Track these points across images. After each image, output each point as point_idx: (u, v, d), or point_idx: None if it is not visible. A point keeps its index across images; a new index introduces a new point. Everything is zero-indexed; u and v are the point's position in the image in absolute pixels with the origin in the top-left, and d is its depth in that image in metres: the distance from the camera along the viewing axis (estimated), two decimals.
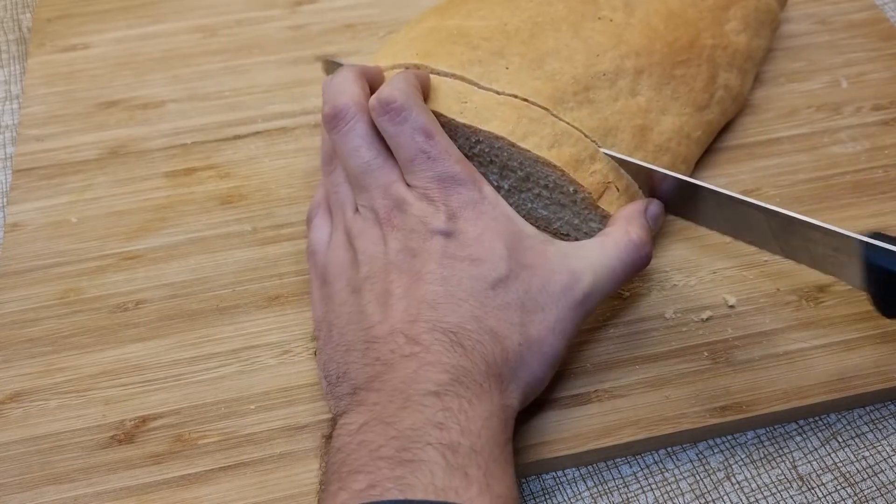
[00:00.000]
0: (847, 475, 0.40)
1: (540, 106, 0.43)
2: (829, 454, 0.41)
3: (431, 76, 0.44)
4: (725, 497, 0.39)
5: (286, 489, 0.38)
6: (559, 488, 0.40)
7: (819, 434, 0.41)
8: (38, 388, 0.42)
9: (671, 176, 0.42)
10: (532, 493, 0.40)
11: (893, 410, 0.42)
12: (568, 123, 0.43)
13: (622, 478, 0.40)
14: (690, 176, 0.47)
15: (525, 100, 0.43)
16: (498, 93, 0.43)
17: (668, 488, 0.40)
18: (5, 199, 0.51)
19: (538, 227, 0.40)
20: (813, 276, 0.44)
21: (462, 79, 0.44)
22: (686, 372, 0.42)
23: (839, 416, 0.42)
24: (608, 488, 0.40)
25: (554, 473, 0.40)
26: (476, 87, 0.44)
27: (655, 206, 0.43)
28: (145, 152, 0.53)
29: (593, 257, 0.39)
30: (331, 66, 0.51)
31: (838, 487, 0.39)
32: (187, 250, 0.47)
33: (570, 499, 0.40)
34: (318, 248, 0.42)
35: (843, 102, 0.54)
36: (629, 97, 0.44)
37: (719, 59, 0.48)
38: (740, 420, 0.40)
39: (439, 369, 0.35)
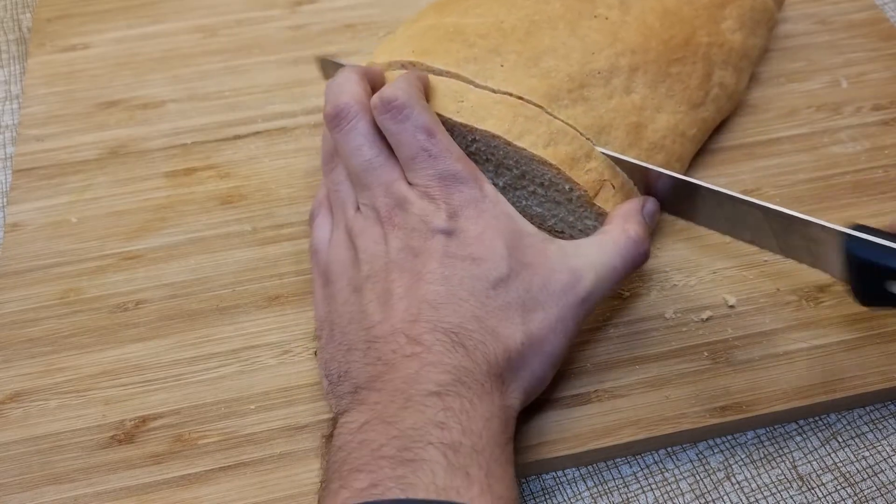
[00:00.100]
0: (847, 475, 0.40)
1: (534, 104, 0.43)
2: (829, 454, 0.41)
3: (429, 76, 0.44)
4: (725, 497, 0.39)
5: (286, 489, 0.38)
6: (559, 488, 0.40)
7: (819, 434, 0.41)
8: (38, 388, 0.42)
9: (665, 174, 0.42)
10: (532, 493, 0.40)
11: (893, 410, 0.42)
12: (563, 121, 0.43)
13: (622, 478, 0.40)
14: (685, 173, 0.47)
15: (520, 98, 0.43)
16: (494, 91, 0.43)
17: (668, 488, 0.40)
18: (5, 199, 0.51)
19: (532, 224, 0.40)
20: (813, 276, 0.44)
21: (457, 76, 0.44)
22: (686, 372, 0.42)
23: (839, 416, 0.42)
24: (608, 488, 0.40)
25: (554, 473, 0.40)
26: (472, 86, 0.44)
27: (651, 203, 0.43)
28: (145, 152, 0.53)
29: (593, 256, 0.39)
30: (327, 65, 0.51)
31: (838, 487, 0.39)
32: (187, 250, 0.47)
33: (570, 499, 0.40)
34: (320, 248, 0.42)
35: (843, 102, 0.54)
36: (624, 95, 0.45)
37: (714, 57, 0.49)
38: (740, 420, 0.40)
39: (441, 370, 0.35)
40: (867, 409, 0.42)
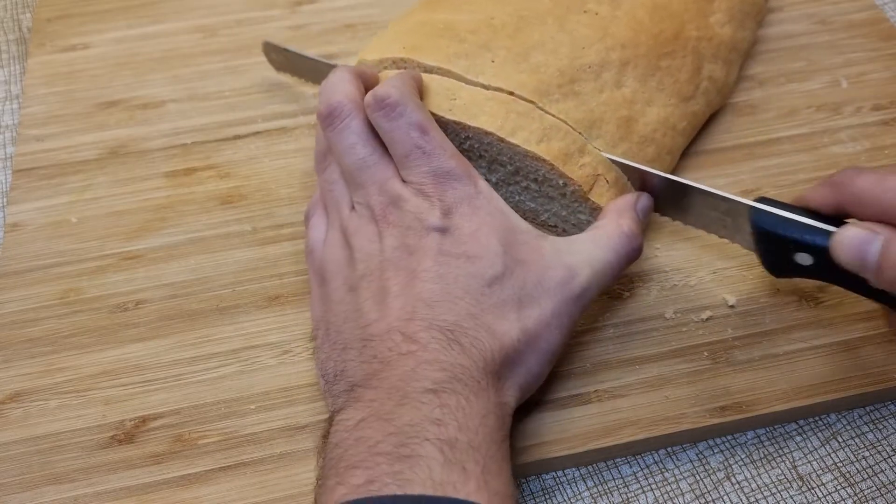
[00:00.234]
0: (847, 475, 0.40)
1: (525, 99, 0.43)
2: (829, 454, 0.41)
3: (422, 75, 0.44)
4: (725, 497, 0.39)
5: (286, 489, 0.38)
6: (559, 488, 0.40)
7: (819, 434, 0.41)
8: (38, 388, 0.42)
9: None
10: (532, 492, 0.40)
11: (893, 410, 0.42)
12: (554, 116, 0.43)
13: (622, 478, 0.40)
14: (676, 168, 0.48)
15: (511, 93, 0.43)
16: (485, 87, 0.43)
17: (668, 488, 0.40)
18: (5, 199, 0.51)
19: (525, 220, 0.40)
20: None
21: (448, 72, 0.44)
22: (686, 372, 0.42)
23: (839, 416, 0.42)
24: (608, 488, 0.40)
25: (554, 473, 0.40)
26: (464, 83, 0.44)
27: (645, 198, 0.43)
28: (145, 152, 0.53)
29: (588, 251, 0.39)
30: (272, 50, 0.52)
31: (838, 487, 0.39)
32: (187, 250, 0.47)
33: (570, 499, 0.40)
34: (315, 247, 0.42)
35: (843, 102, 0.54)
36: (614, 89, 0.45)
37: (704, 51, 0.49)
38: (740, 420, 0.40)
39: (437, 367, 0.35)
40: (867, 409, 0.42)
